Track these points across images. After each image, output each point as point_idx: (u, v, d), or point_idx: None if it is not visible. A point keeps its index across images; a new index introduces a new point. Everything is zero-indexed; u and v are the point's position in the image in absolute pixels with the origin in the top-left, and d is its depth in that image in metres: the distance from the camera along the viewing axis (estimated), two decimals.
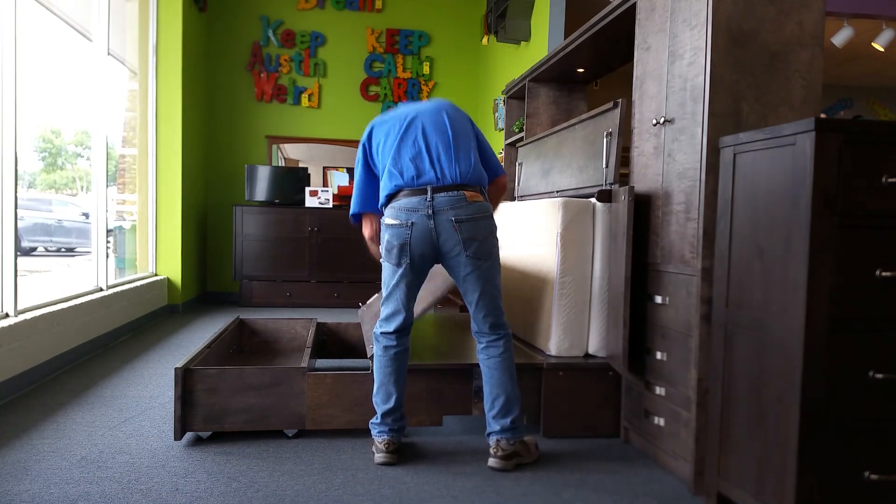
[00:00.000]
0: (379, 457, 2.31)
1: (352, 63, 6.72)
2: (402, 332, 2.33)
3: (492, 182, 2.43)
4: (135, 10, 5.30)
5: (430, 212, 2.17)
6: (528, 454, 2.32)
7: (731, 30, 2.06)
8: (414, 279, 2.29)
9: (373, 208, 2.44)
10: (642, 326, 2.44)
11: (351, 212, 2.50)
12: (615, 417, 2.62)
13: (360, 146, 2.42)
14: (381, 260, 2.38)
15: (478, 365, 2.58)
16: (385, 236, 2.27)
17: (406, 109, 2.36)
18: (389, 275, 2.31)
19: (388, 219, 2.26)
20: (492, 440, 2.28)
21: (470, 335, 3.67)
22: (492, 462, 2.25)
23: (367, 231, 2.53)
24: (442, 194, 2.17)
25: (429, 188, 2.18)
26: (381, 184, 2.33)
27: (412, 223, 2.19)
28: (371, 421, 2.38)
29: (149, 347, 4.14)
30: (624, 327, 2.34)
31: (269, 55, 6.57)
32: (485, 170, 2.35)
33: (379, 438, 2.33)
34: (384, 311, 2.35)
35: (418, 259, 2.23)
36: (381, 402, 2.35)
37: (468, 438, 2.58)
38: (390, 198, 2.27)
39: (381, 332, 2.35)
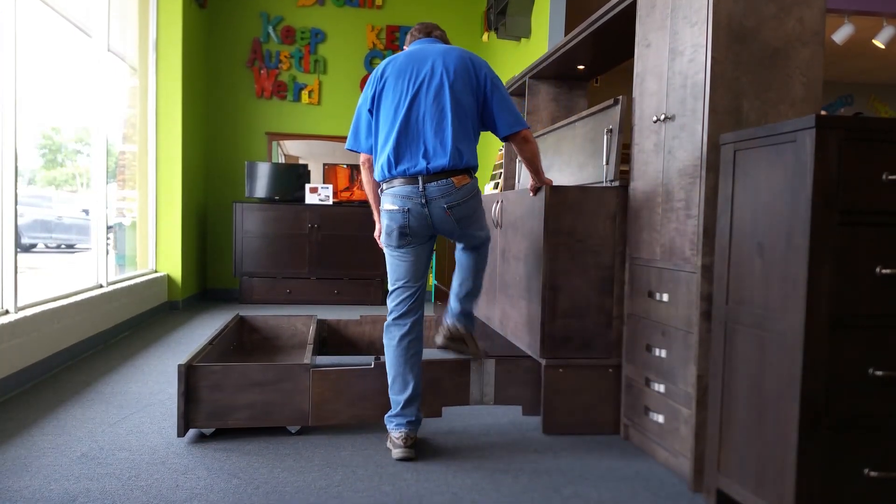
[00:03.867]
0: (397, 452, 2.30)
1: (352, 60, 6.71)
2: (416, 316, 2.42)
3: (512, 139, 2.42)
4: (135, 6, 5.29)
5: (424, 200, 2.32)
6: (472, 347, 2.60)
7: (732, 27, 2.06)
8: (417, 256, 2.42)
9: (363, 148, 2.51)
10: (642, 323, 2.44)
11: (346, 146, 2.56)
12: (615, 414, 2.63)
13: (370, 82, 2.44)
14: (384, 248, 2.47)
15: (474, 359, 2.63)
16: (384, 221, 2.40)
17: (417, 71, 2.36)
18: (394, 261, 2.43)
19: (386, 205, 2.39)
20: (448, 322, 2.59)
21: None
22: (438, 340, 2.59)
23: (377, 230, 2.59)
24: (432, 183, 2.31)
25: (420, 178, 2.31)
26: (376, 154, 2.43)
27: (408, 209, 2.33)
28: (387, 415, 2.39)
29: (149, 344, 4.14)
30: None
31: (269, 52, 6.57)
32: (498, 127, 2.41)
33: (396, 432, 2.32)
34: (395, 298, 2.43)
35: (416, 238, 2.39)
36: (398, 392, 2.37)
37: (468, 436, 2.58)
38: (385, 181, 2.41)
39: (394, 320, 2.42)
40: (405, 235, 2.36)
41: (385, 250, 2.46)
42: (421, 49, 2.42)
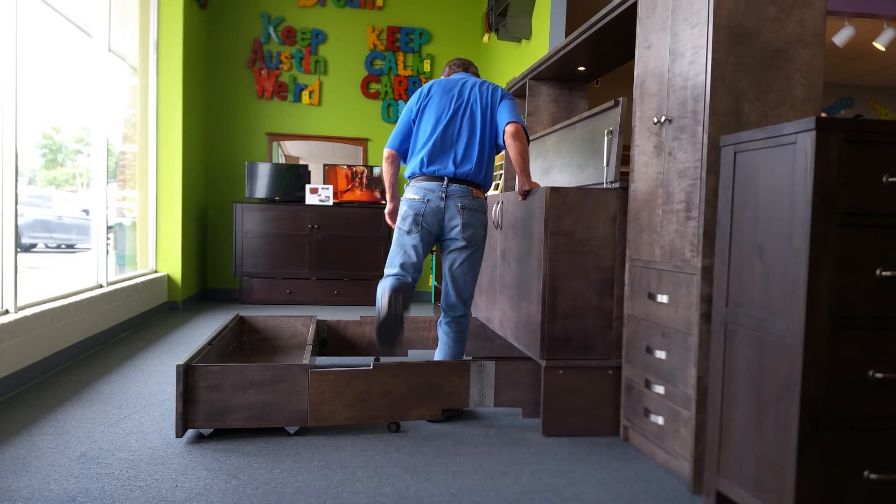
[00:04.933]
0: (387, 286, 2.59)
1: (353, 60, 6.72)
2: (407, 271, 2.74)
3: (506, 130, 2.72)
4: (135, 6, 5.30)
5: (444, 195, 2.71)
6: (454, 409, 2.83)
7: (733, 28, 2.06)
8: (421, 246, 2.75)
9: (397, 150, 2.90)
10: (641, 325, 2.44)
11: (387, 146, 2.92)
12: (615, 416, 2.63)
13: (416, 97, 2.85)
14: (395, 231, 2.82)
15: (473, 359, 2.62)
16: (403, 207, 2.78)
17: (458, 94, 2.80)
18: (399, 245, 2.77)
19: (409, 194, 2.76)
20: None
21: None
22: None
23: (389, 208, 2.98)
24: (455, 185, 2.73)
25: (446, 178, 2.73)
26: (412, 154, 2.84)
27: (428, 200, 2.72)
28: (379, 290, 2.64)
29: (149, 344, 4.14)
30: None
31: (270, 52, 6.57)
32: (499, 121, 2.77)
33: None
34: (390, 263, 2.78)
35: (426, 229, 2.74)
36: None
37: (467, 437, 2.58)
38: (413, 177, 2.80)
39: (387, 273, 2.76)
40: (417, 223, 2.72)
41: (395, 232, 2.79)
42: (463, 78, 2.88)
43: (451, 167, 2.72)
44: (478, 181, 2.75)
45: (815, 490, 1.60)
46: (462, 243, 2.74)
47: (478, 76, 2.97)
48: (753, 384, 1.77)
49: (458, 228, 2.71)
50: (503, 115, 2.74)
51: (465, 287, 2.83)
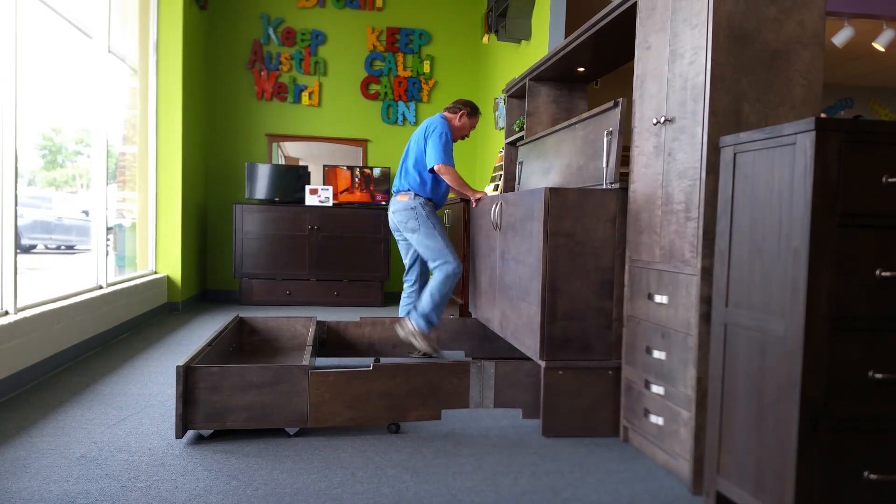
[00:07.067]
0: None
1: (352, 61, 6.72)
2: (413, 276, 3.97)
3: (433, 171, 3.73)
4: (135, 7, 5.30)
5: (390, 207, 3.84)
6: (420, 344, 3.59)
7: (732, 29, 2.06)
8: (405, 244, 3.94)
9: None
10: (641, 326, 2.44)
11: None
12: (614, 416, 2.63)
13: None
14: None
15: (473, 360, 2.62)
16: None
17: (414, 133, 3.86)
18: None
19: None
20: (406, 321, 3.64)
21: (465, 335, 3.82)
22: (397, 327, 3.66)
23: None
24: (393, 198, 3.83)
25: (391, 194, 3.87)
26: None
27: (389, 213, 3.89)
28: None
29: (149, 345, 4.14)
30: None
31: (270, 53, 6.57)
32: (427, 161, 3.71)
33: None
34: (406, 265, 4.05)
35: (394, 232, 3.90)
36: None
37: (467, 438, 2.58)
38: None
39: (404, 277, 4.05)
40: (392, 230, 3.91)
41: None
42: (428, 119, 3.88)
43: (393, 184, 3.86)
44: (403, 190, 3.76)
45: (815, 490, 1.60)
46: (406, 236, 3.77)
47: (454, 111, 3.85)
48: (753, 385, 1.77)
49: (396, 227, 3.82)
50: (429, 153, 3.66)
51: (426, 257, 3.72)
